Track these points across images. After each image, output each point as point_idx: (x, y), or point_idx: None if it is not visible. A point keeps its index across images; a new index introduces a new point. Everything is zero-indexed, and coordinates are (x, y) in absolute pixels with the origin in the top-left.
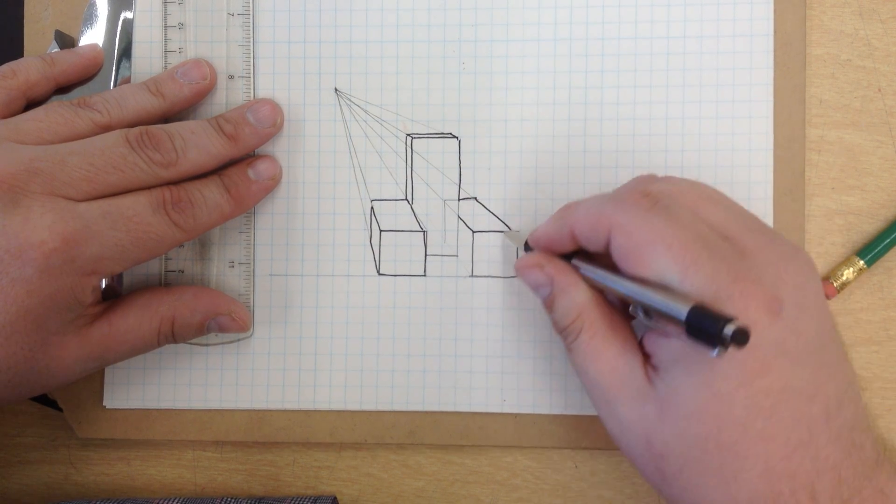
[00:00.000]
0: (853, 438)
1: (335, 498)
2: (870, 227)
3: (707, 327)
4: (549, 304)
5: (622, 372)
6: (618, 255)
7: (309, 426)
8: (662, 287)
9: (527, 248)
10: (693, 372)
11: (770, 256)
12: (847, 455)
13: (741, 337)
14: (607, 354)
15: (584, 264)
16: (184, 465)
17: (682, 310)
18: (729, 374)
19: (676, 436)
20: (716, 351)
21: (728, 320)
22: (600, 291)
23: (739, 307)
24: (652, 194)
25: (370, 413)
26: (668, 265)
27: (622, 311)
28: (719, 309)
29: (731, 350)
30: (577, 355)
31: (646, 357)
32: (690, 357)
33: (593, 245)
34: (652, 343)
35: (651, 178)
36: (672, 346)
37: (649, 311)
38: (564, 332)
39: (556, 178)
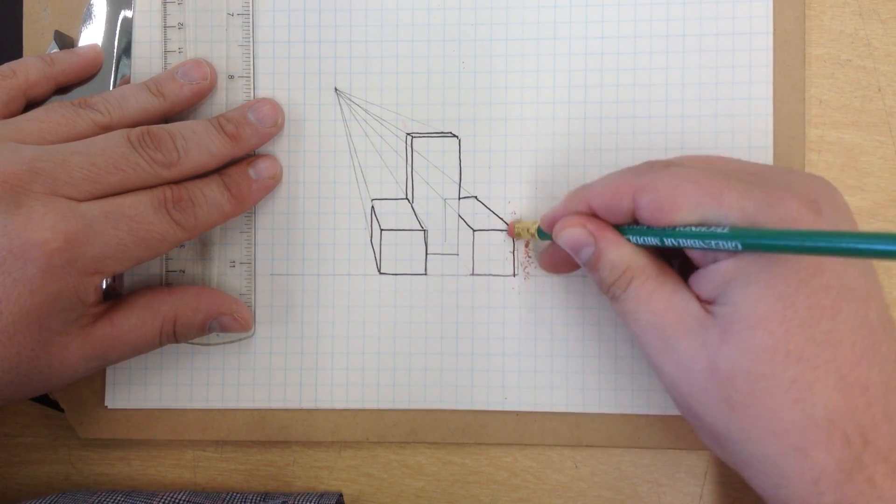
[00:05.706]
0: None
1: (341, 494)
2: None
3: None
4: (593, 263)
5: (679, 307)
6: (648, 212)
7: (311, 425)
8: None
9: (540, 233)
10: (752, 281)
11: (792, 178)
12: None
13: None
14: (662, 293)
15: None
16: (184, 466)
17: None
18: (787, 276)
19: (743, 351)
20: None
21: None
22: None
23: (782, 210)
24: (662, 161)
25: (372, 412)
26: (701, 198)
27: (667, 260)
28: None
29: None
30: (629, 303)
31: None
32: (746, 269)
33: (614, 214)
34: (699, 280)
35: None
36: (724, 269)
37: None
38: (613, 287)
39: (556, 177)
